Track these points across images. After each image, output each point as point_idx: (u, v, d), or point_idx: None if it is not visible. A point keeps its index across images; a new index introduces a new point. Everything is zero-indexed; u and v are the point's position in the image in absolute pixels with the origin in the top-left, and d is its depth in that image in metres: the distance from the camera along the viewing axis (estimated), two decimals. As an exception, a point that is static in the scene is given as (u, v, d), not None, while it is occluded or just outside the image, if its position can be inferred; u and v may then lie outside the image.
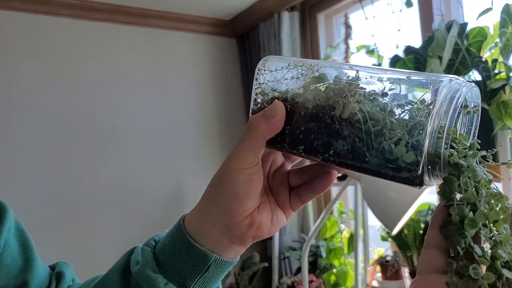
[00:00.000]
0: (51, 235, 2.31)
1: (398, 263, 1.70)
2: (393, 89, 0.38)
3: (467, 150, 0.37)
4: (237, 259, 0.49)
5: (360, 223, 1.62)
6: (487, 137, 1.26)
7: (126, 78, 2.60)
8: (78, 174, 2.42)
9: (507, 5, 1.28)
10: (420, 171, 0.36)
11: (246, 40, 2.90)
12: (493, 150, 0.39)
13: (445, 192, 0.36)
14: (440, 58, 1.34)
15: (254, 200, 0.44)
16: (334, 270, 2.06)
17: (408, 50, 1.43)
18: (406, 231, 1.69)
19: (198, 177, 2.76)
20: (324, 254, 2.09)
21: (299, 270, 2.22)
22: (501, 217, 0.34)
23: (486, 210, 0.34)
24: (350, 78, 0.40)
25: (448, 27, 1.36)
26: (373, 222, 1.77)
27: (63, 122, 2.41)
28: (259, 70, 0.46)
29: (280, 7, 2.55)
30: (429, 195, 1.53)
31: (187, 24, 2.79)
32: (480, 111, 0.41)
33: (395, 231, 1.52)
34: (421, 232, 1.68)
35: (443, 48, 1.33)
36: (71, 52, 2.46)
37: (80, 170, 2.43)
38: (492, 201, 0.35)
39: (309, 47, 2.57)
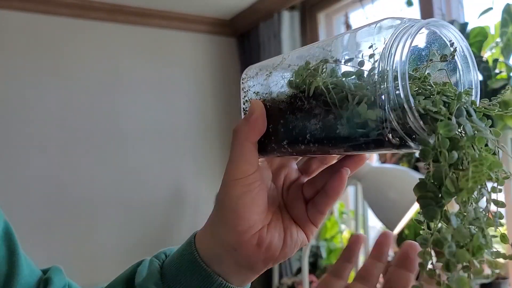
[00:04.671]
0: (50, 236, 2.31)
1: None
2: (345, 52, 0.36)
3: (441, 95, 0.32)
4: (247, 287, 0.46)
5: (361, 224, 1.62)
6: (487, 137, 1.25)
7: (125, 77, 2.59)
8: (77, 175, 2.42)
9: (508, 5, 1.28)
10: (388, 128, 0.32)
11: (246, 40, 2.89)
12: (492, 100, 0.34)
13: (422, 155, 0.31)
14: (441, 57, 1.34)
15: (258, 215, 0.41)
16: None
17: (409, 49, 1.42)
18: (406, 232, 1.68)
19: (198, 178, 2.76)
20: (324, 255, 2.09)
21: (299, 270, 2.21)
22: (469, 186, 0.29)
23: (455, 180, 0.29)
24: (315, 60, 0.38)
25: (449, 27, 1.35)
26: (374, 222, 1.76)
27: (62, 122, 2.40)
28: (242, 79, 0.46)
29: (280, 7, 2.54)
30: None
31: (187, 24, 2.78)
32: (468, 54, 0.36)
33: (395, 231, 1.51)
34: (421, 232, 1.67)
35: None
36: (70, 51, 2.46)
37: (79, 171, 2.43)
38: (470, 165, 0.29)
39: (309, 46, 2.56)
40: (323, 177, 0.44)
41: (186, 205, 2.71)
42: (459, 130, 0.31)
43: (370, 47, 0.34)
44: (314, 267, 2.11)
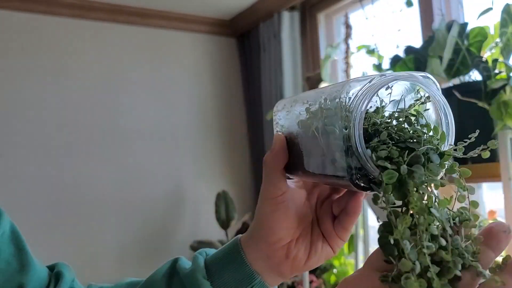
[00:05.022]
0: (51, 235, 2.32)
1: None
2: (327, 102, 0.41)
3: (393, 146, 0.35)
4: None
5: (361, 224, 1.62)
6: (487, 137, 1.26)
7: (126, 77, 2.60)
8: (78, 174, 2.42)
9: (507, 5, 1.28)
10: (350, 174, 0.36)
11: (246, 40, 2.90)
12: (461, 144, 0.37)
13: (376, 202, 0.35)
14: (441, 58, 1.34)
15: (286, 230, 0.47)
16: (334, 270, 2.06)
17: (408, 50, 1.43)
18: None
19: (198, 178, 2.76)
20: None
21: (299, 270, 2.21)
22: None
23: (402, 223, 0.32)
24: (317, 103, 0.43)
25: (449, 27, 1.36)
26: (373, 222, 1.77)
27: (62, 122, 2.41)
28: (274, 112, 0.52)
29: (280, 7, 2.55)
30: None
31: (187, 24, 2.79)
32: (442, 104, 0.38)
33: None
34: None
35: (443, 48, 1.33)
36: (71, 51, 2.46)
37: (80, 170, 2.43)
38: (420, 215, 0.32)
39: (309, 47, 2.57)
40: (346, 197, 0.49)
41: (186, 204, 2.71)
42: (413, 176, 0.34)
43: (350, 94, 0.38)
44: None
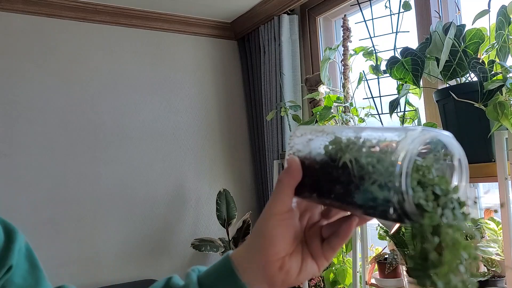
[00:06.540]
0: (54, 234, 2.33)
1: (396, 261, 1.72)
2: (372, 142, 0.47)
3: (437, 191, 0.42)
4: None
5: (359, 222, 1.63)
6: (484, 138, 1.27)
7: (128, 79, 2.62)
8: (81, 174, 2.44)
9: (504, 7, 1.30)
10: (392, 209, 0.42)
11: (246, 42, 2.92)
12: (473, 201, 0.44)
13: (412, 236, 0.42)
14: (438, 59, 1.36)
15: (285, 245, 0.51)
16: (333, 268, 2.08)
17: (406, 51, 1.44)
18: (404, 230, 1.70)
19: (200, 178, 2.78)
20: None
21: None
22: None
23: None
24: (346, 138, 0.49)
25: (446, 29, 1.38)
26: (371, 221, 1.78)
27: (66, 123, 2.43)
28: (291, 136, 0.57)
29: (279, 10, 2.57)
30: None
31: (188, 27, 2.81)
32: (463, 161, 0.46)
33: (393, 230, 1.54)
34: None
35: (440, 50, 1.35)
36: (74, 54, 2.48)
37: (83, 170, 2.45)
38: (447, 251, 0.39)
39: (308, 49, 2.59)
40: (339, 222, 0.54)
41: (188, 203, 2.73)
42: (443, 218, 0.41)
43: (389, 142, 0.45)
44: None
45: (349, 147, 0.47)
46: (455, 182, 0.47)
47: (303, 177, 0.51)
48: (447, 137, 0.45)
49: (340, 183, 0.47)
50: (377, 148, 0.45)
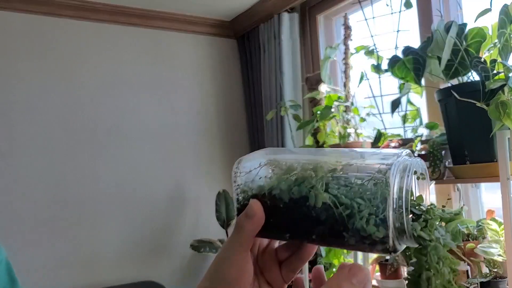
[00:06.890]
0: (53, 234, 2.32)
1: (397, 262, 1.71)
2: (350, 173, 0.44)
3: (425, 217, 0.43)
4: None
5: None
6: (486, 137, 1.27)
7: (127, 78, 2.61)
8: (80, 174, 2.43)
9: (505, 6, 1.29)
10: (391, 243, 0.41)
11: (246, 41, 2.91)
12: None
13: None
14: (439, 58, 1.35)
15: (249, 278, 0.47)
16: (334, 270, 2.07)
17: (407, 50, 1.43)
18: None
19: (199, 177, 2.77)
20: (323, 253, 2.10)
21: (299, 269, 2.22)
22: None
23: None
24: (314, 167, 0.45)
25: (447, 28, 1.37)
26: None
27: (64, 122, 2.42)
28: (235, 172, 0.51)
29: (280, 8, 2.56)
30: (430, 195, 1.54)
31: (188, 25, 2.80)
32: (428, 177, 0.47)
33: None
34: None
35: (442, 49, 1.34)
36: (72, 52, 2.47)
37: (82, 170, 2.44)
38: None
39: (309, 48, 2.58)
40: (299, 243, 0.50)
41: (187, 204, 2.72)
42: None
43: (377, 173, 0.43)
44: (313, 266, 2.11)
45: (318, 179, 0.44)
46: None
47: (267, 219, 0.46)
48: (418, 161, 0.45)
49: (322, 224, 0.43)
50: (357, 181, 0.43)
